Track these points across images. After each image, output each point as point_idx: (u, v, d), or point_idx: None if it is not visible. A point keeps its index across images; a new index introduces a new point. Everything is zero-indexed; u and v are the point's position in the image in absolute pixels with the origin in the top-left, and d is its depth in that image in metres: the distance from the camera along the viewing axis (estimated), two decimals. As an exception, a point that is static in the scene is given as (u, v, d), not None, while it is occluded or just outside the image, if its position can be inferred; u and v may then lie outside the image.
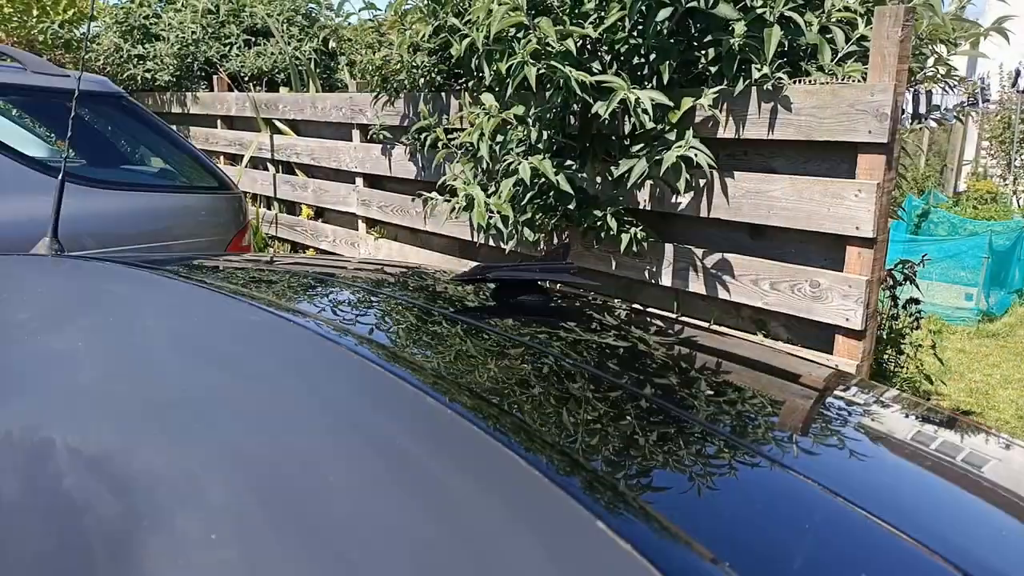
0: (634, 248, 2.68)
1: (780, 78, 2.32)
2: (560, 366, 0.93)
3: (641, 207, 2.80)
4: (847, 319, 2.31)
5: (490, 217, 2.89)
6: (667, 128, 2.51)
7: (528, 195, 2.72)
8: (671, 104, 2.42)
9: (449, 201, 2.99)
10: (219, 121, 5.71)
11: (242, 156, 5.31)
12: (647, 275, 2.84)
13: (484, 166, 3.01)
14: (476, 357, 0.94)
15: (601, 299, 1.42)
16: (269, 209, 5.29)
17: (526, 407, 0.77)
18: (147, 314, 0.99)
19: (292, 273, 1.35)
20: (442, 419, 0.68)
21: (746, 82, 2.38)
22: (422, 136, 3.41)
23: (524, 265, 1.24)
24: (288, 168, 5.08)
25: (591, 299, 1.37)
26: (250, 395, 0.75)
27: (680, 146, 2.40)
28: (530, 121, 2.74)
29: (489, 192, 2.93)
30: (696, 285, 2.70)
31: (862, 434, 0.92)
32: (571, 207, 2.71)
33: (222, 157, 5.72)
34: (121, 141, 3.05)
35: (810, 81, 2.34)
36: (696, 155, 2.37)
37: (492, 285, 1.25)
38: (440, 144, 3.06)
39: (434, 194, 3.09)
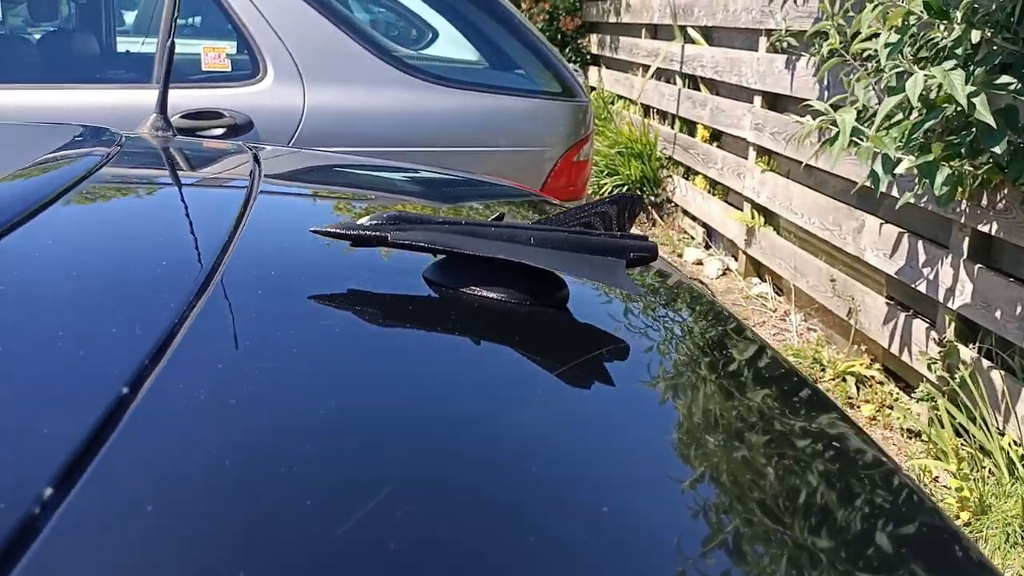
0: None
1: None
2: None
3: None
4: None
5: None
6: None
7: (924, 125, 1.82)
8: None
9: (815, 129, 2.21)
10: (643, 30, 5.38)
11: (659, 69, 4.92)
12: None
13: (886, 83, 2.13)
14: None
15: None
16: (672, 128, 4.86)
17: None
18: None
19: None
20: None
21: None
22: (823, 44, 2.59)
23: (522, 227, 0.60)
24: (694, 82, 4.55)
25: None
26: None
27: None
28: (958, 16, 1.80)
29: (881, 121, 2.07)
30: None
31: None
32: (997, 150, 1.74)
33: (641, 69, 5.41)
34: (452, 28, 2.84)
35: None
36: None
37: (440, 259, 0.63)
38: (827, 51, 2.25)
39: (807, 118, 2.32)
